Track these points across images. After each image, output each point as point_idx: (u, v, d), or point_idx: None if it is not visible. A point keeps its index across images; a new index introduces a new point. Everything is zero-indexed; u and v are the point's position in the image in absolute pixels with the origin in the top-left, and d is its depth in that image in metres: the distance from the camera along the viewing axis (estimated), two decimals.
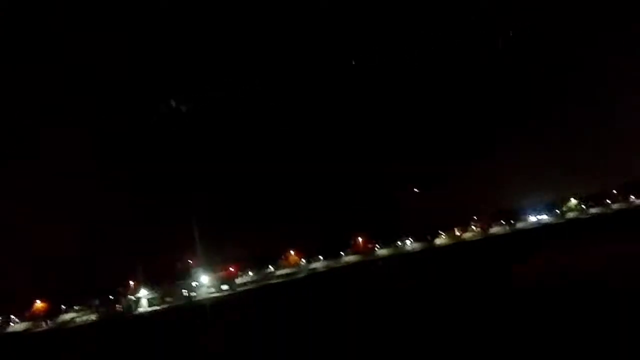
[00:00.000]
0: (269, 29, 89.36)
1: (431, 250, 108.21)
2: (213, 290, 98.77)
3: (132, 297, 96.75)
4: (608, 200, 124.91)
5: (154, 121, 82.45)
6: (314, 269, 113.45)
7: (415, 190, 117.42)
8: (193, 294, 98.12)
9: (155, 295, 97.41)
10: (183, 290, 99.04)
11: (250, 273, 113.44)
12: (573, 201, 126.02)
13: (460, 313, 20.43)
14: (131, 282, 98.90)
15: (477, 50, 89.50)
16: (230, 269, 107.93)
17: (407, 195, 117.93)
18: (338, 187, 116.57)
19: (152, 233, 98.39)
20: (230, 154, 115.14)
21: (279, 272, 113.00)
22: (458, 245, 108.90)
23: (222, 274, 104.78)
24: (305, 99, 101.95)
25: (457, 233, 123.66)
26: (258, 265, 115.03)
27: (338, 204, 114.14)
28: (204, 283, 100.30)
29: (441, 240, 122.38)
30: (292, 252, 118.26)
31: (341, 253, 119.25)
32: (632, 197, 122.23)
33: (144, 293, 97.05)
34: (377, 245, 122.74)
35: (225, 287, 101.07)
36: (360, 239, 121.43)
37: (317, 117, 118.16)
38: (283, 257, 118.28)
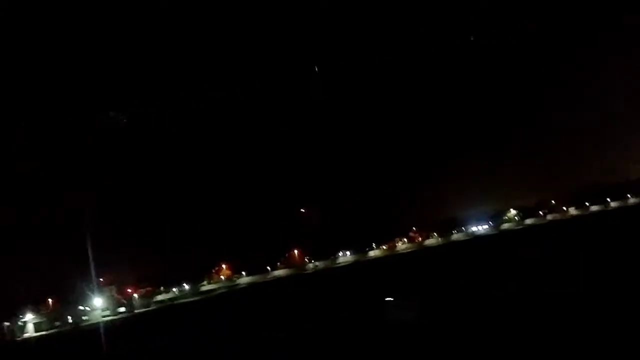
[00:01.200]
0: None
1: (364, 263, 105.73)
2: (108, 312, 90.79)
3: (17, 322, 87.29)
4: (542, 212, 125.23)
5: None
6: (237, 285, 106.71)
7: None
8: (84, 317, 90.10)
9: (43, 319, 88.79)
10: (70, 315, 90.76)
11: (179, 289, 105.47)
12: (512, 212, 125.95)
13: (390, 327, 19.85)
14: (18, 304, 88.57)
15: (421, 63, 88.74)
16: (128, 289, 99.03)
17: (344, 205, 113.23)
18: (270, 197, 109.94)
19: (46, 248, 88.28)
20: (156, 161, 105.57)
21: (204, 289, 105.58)
22: (391, 257, 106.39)
23: (117, 295, 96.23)
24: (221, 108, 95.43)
25: (396, 244, 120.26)
26: (180, 281, 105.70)
27: (269, 215, 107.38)
28: (98, 305, 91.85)
29: (375, 252, 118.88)
30: (223, 266, 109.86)
31: (268, 268, 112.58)
32: (566, 207, 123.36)
33: (30, 317, 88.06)
34: (310, 258, 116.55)
35: (122, 309, 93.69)
36: (295, 252, 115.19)
37: (248, 123, 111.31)
38: (213, 271, 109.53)
